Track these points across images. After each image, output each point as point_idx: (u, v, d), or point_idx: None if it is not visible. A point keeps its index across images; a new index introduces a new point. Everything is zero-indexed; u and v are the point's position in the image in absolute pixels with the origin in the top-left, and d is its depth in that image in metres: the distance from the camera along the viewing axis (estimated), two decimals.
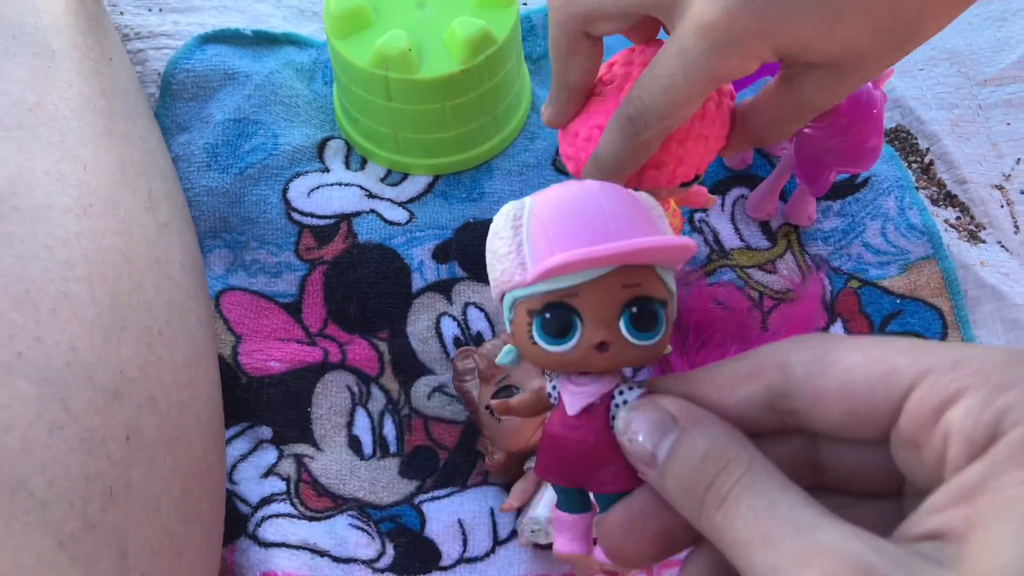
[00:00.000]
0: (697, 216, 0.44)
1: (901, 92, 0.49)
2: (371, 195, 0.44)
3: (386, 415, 0.38)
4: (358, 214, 0.43)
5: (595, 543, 0.21)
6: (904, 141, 0.48)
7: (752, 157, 0.46)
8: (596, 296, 0.20)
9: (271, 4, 0.51)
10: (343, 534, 0.35)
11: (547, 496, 0.35)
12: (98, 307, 0.28)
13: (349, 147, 0.46)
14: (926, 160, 0.47)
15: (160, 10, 0.49)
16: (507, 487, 0.37)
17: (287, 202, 0.43)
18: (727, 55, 0.25)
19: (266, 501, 0.36)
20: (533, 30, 0.50)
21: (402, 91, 0.41)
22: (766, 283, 0.42)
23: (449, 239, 0.43)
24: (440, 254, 0.42)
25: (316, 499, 0.36)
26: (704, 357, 0.39)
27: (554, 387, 0.22)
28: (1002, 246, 0.44)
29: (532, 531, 0.34)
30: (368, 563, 0.34)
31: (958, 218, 0.45)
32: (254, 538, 0.34)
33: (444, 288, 0.41)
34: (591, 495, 0.22)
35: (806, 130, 0.38)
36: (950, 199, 0.46)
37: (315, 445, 0.38)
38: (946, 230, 0.44)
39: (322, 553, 0.34)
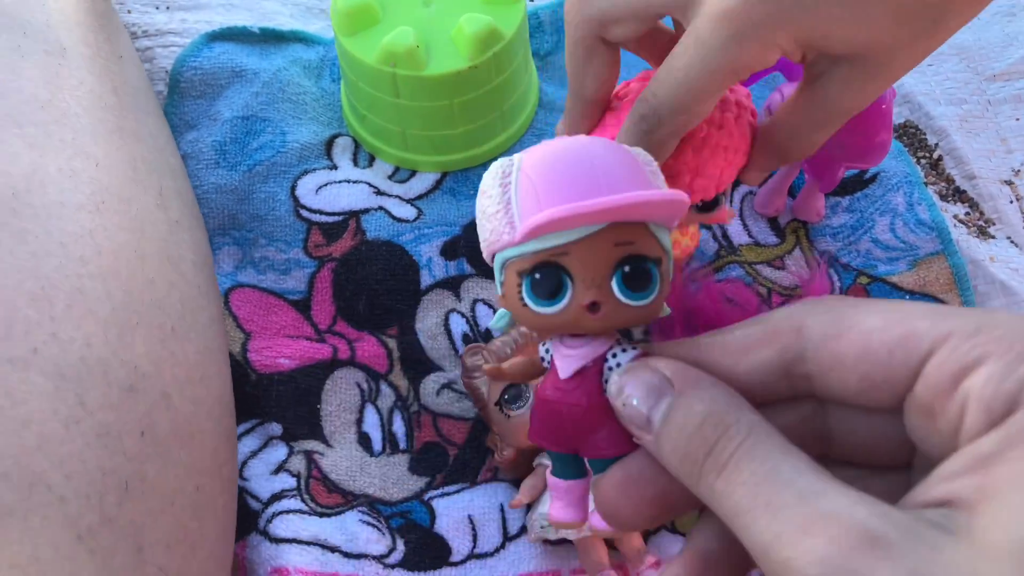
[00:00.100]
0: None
1: (910, 88, 0.49)
2: (379, 192, 0.44)
3: (395, 412, 0.39)
4: (366, 211, 0.43)
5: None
6: (913, 137, 0.48)
7: None
8: (587, 255, 0.19)
9: (278, 1, 0.51)
10: (353, 530, 0.35)
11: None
12: (112, 303, 0.28)
13: (357, 144, 0.46)
14: (935, 156, 0.47)
15: (168, 8, 0.49)
16: (516, 483, 0.37)
17: (295, 199, 0.43)
18: (746, 44, 0.25)
19: (277, 497, 0.36)
20: (541, 26, 0.50)
21: (410, 88, 0.41)
22: (775, 279, 0.42)
23: (457, 236, 0.43)
24: (448, 251, 0.42)
25: (326, 495, 0.36)
26: None
27: (547, 350, 0.21)
28: (1011, 242, 0.44)
29: (542, 527, 0.34)
30: (378, 559, 0.34)
31: (967, 214, 0.45)
32: (265, 534, 0.35)
33: (453, 285, 0.41)
34: (586, 460, 0.21)
35: None
36: (959, 195, 0.46)
37: (325, 442, 0.38)
38: (955, 226, 0.44)
39: (333, 549, 0.34)
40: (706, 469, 0.17)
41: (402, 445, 0.38)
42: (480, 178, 0.21)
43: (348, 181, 0.44)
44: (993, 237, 0.44)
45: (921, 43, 0.26)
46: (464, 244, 0.42)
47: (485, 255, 0.21)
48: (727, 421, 0.17)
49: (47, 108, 0.32)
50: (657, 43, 0.31)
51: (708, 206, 0.31)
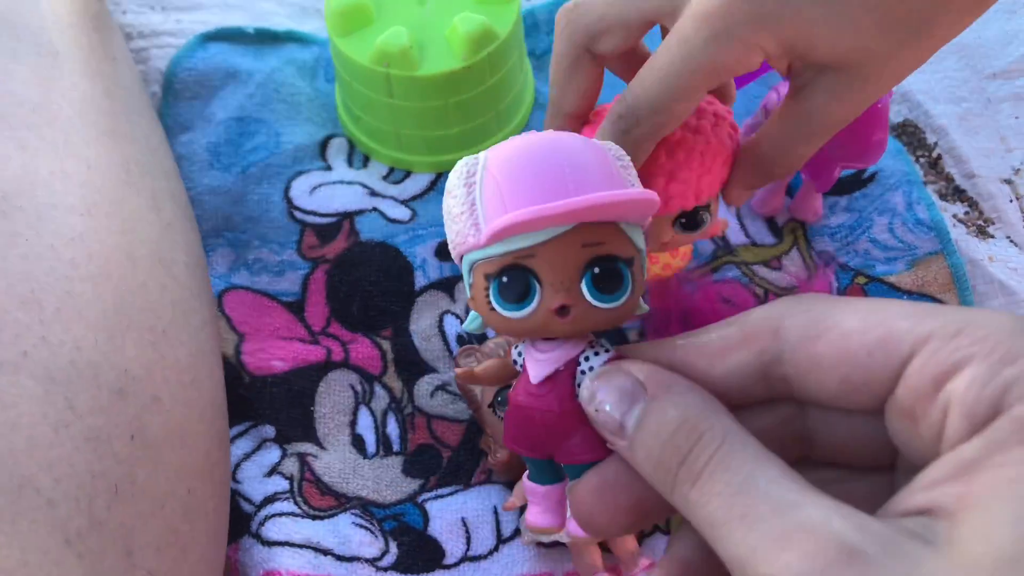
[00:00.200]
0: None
1: (908, 86, 0.48)
2: (373, 193, 0.44)
3: (389, 414, 0.38)
4: (360, 212, 0.43)
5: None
6: (912, 135, 0.47)
7: None
8: (554, 257, 0.18)
9: (273, 1, 0.51)
10: (346, 533, 0.35)
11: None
12: (103, 306, 0.28)
13: (352, 145, 0.46)
14: (934, 154, 0.47)
15: (163, 8, 0.49)
16: (510, 485, 0.37)
17: (289, 200, 0.43)
18: (727, 43, 0.24)
19: (269, 500, 0.36)
20: (536, 26, 0.50)
21: (404, 88, 0.41)
22: (771, 280, 0.42)
23: None
24: (443, 252, 0.42)
25: (319, 498, 0.36)
26: None
27: (519, 354, 0.21)
28: (1011, 241, 0.44)
29: None
30: (371, 562, 0.34)
31: (966, 213, 0.45)
32: (257, 537, 0.35)
33: (447, 286, 0.41)
34: (562, 465, 0.20)
35: None
36: (958, 194, 0.46)
37: (318, 444, 0.38)
38: (954, 225, 0.44)
39: (325, 552, 0.34)
40: (680, 478, 0.16)
41: (396, 447, 0.38)
42: None
43: (342, 182, 0.44)
44: (992, 236, 0.44)
45: (907, 52, 0.25)
46: None
47: (453, 256, 0.21)
48: (701, 428, 0.17)
49: (39, 110, 0.32)
50: (640, 64, 0.30)
51: (691, 223, 0.30)
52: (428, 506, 0.36)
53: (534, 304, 0.19)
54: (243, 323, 0.40)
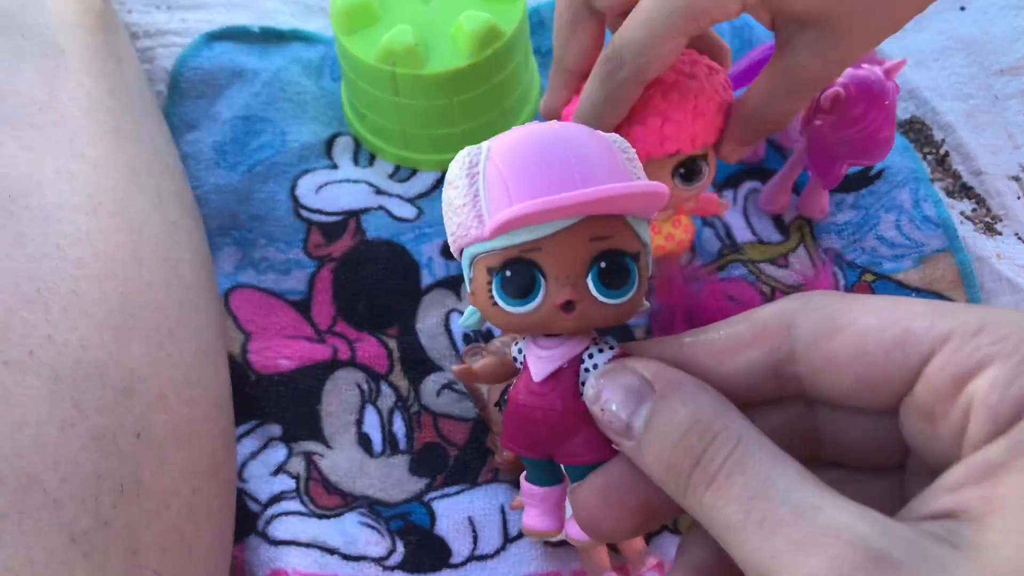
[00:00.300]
0: None
1: (915, 83, 0.48)
2: (380, 191, 0.44)
3: (395, 412, 0.38)
4: (366, 211, 0.43)
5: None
6: (919, 132, 0.47)
7: (764, 150, 0.45)
8: (560, 251, 0.18)
9: (279, 0, 0.51)
10: (353, 532, 0.35)
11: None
12: (108, 306, 0.28)
13: (358, 143, 0.46)
14: (941, 151, 0.46)
15: (168, 8, 0.49)
16: (517, 484, 0.36)
17: (295, 199, 0.43)
18: None
19: (276, 499, 0.36)
20: (542, 24, 0.50)
21: (409, 86, 0.41)
22: (778, 277, 0.42)
23: None
24: (449, 250, 0.42)
25: (326, 497, 0.36)
26: None
27: (519, 351, 0.20)
28: (1019, 238, 0.44)
29: None
30: (378, 561, 0.34)
31: (974, 210, 0.45)
32: (264, 536, 0.35)
33: (453, 284, 0.41)
34: (562, 466, 0.20)
35: (817, 122, 0.38)
36: (966, 191, 0.45)
37: (325, 443, 0.38)
38: (962, 222, 0.44)
39: (332, 551, 0.34)
40: (693, 481, 0.16)
41: (402, 446, 0.38)
42: None
43: (348, 181, 0.44)
44: (1000, 233, 0.44)
45: (881, 10, 0.26)
46: None
47: (453, 250, 0.20)
48: (714, 428, 0.16)
49: (44, 110, 0.32)
50: None
51: (689, 173, 0.31)
52: (435, 505, 0.36)
53: (538, 299, 0.18)
54: (249, 322, 0.40)
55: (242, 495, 0.36)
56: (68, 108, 0.33)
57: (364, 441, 0.38)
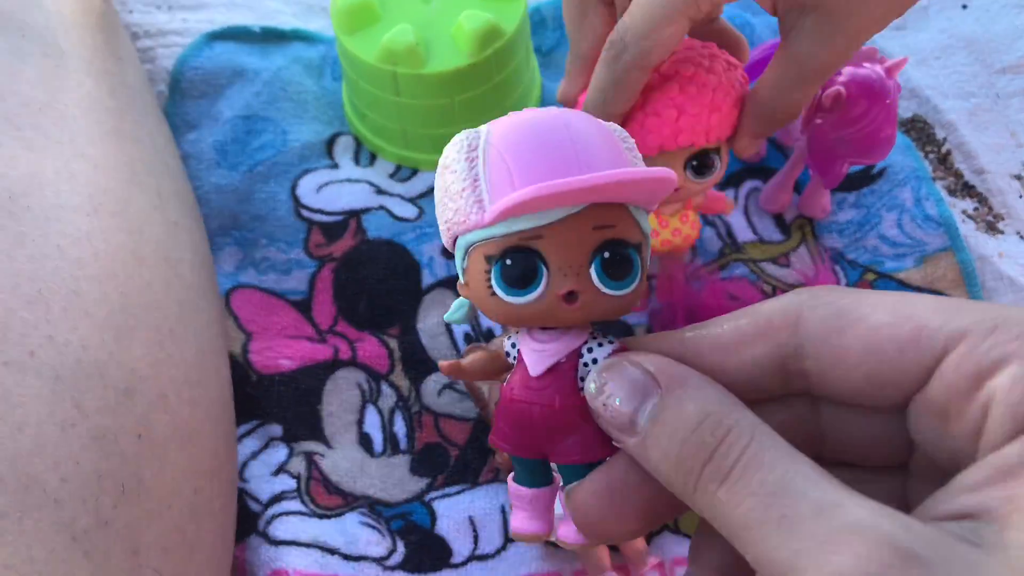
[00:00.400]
0: None
1: (917, 81, 0.48)
2: (380, 191, 0.44)
3: (396, 412, 0.38)
4: (367, 210, 0.43)
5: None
6: (920, 131, 0.47)
7: (766, 149, 0.45)
8: (564, 239, 0.17)
9: (280, 0, 0.51)
10: (353, 532, 0.35)
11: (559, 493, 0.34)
12: (109, 306, 0.28)
13: (358, 143, 0.46)
14: (943, 150, 0.46)
15: (169, 8, 0.49)
16: None
17: (296, 199, 0.43)
18: None
19: (277, 499, 0.36)
20: (543, 23, 0.50)
21: (410, 86, 0.41)
22: (779, 277, 0.42)
23: None
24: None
25: (326, 496, 0.36)
26: None
27: (513, 345, 0.19)
28: (1021, 237, 0.43)
29: None
30: (378, 561, 0.34)
31: (976, 209, 0.44)
32: (265, 536, 0.35)
33: (454, 284, 0.41)
34: (553, 467, 0.19)
35: (817, 121, 0.38)
36: (967, 190, 0.45)
37: (325, 443, 0.38)
38: (963, 221, 0.44)
39: (332, 551, 0.34)
40: (705, 477, 0.15)
41: (403, 446, 0.38)
42: None
43: (349, 180, 0.44)
44: (1002, 232, 0.44)
45: None
46: None
47: (445, 238, 0.19)
48: (727, 424, 0.16)
49: (45, 110, 0.32)
50: None
51: (702, 165, 0.31)
52: (435, 505, 0.36)
53: (540, 289, 0.17)
54: (250, 322, 0.40)
55: (243, 495, 0.36)
56: (68, 108, 0.33)
57: (365, 441, 0.38)
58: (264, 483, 0.36)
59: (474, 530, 0.35)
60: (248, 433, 0.37)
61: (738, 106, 0.31)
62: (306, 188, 0.43)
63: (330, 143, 0.45)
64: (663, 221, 0.37)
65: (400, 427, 0.38)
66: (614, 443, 0.18)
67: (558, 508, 0.20)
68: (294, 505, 0.36)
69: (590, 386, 0.17)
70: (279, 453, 0.37)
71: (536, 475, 0.19)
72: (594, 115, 0.26)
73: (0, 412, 0.23)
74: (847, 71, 0.37)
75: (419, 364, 0.39)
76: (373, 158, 0.45)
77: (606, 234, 0.17)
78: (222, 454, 0.32)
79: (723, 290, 0.41)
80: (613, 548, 0.35)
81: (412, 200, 0.44)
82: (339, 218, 0.43)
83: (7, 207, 0.28)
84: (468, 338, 0.40)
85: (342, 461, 0.37)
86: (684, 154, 0.31)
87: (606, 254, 0.17)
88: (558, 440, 0.18)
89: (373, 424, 0.38)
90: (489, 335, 0.40)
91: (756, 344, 0.17)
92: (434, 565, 0.35)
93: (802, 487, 0.14)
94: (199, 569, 0.28)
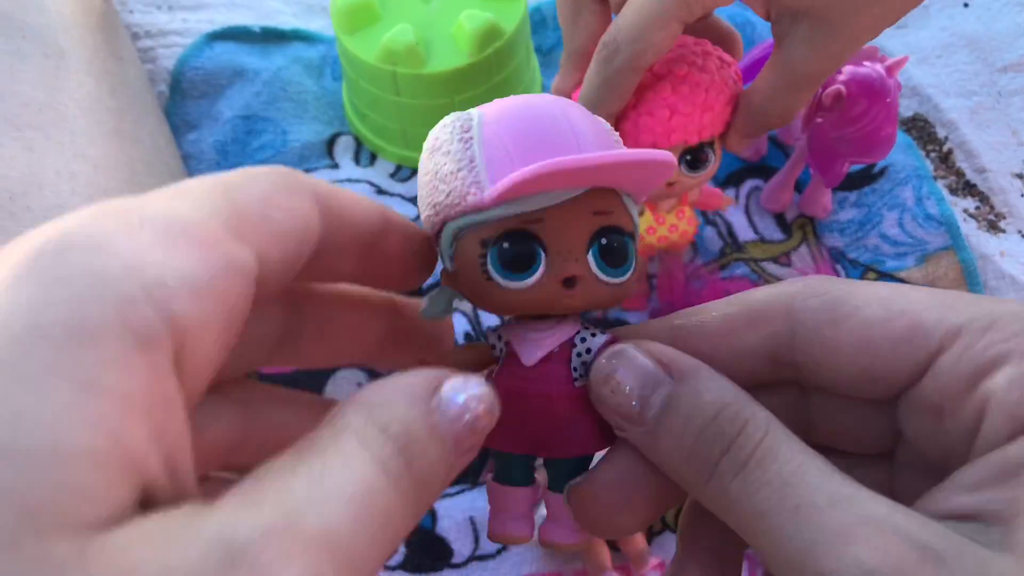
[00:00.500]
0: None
1: (918, 80, 0.48)
2: (381, 191, 0.44)
3: None
4: None
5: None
6: (922, 130, 0.47)
7: (767, 148, 0.45)
8: (563, 223, 0.17)
9: (280, 0, 0.51)
10: None
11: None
12: None
13: (359, 143, 0.46)
14: (944, 149, 0.46)
15: (169, 8, 0.49)
16: None
17: None
18: None
19: None
20: (543, 22, 0.50)
21: (410, 86, 0.41)
22: (780, 276, 0.42)
23: None
24: None
25: None
26: None
27: (499, 337, 0.19)
28: (1022, 236, 0.43)
29: None
30: None
31: (977, 208, 0.44)
32: None
33: None
34: (535, 465, 0.19)
35: (818, 120, 0.38)
36: (969, 188, 0.45)
37: None
38: (965, 220, 0.44)
39: None
40: (721, 468, 0.15)
41: None
42: None
43: (350, 180, 0.44)
44: (1003, 231, 0.44)
45: (877, 2, 0.26)
46: None
47: (430, 223, 0.18)
48: (744, 415, 0.15)
49: (45, 111, 0.32)
50: None
51: (695, 160, 0.31)
52: (436, 505, 0.36)
53: (538, 273, 0.17)
54: None
55: None
56: (69, 109, 0.33)
57: None
58: None
59: (475, 530, 0.35)
60: None
61: (731, 103, 0.31)
62: None
63: (330, 143, 0.45)
64: (660, 218, 0.37)
65: None
66: (616, 433, 0.17)
67: (540, 510, 0.19)
68: None
69: (598, 373, 0.17)
70: None
71: (522, 473, 0.19)
72: None
73: None
74: (847, 70, 0.37)
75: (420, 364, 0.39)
76: (373, 158, 0.45)
77: (604, 220, 0.17)
78: None
79: (724, 289, 0.41)
80: (614, 547, 0.35)
81: (413, 200, 0.44)
82: None
83: (7, 207, 0.28)
84: (468, 337, 0.40)
85: None
86: (677, 150, 0.31)
87: (604, 240, 0.17)
88: (554, 432, 0.18)
89: None
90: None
91: (747, 333, 0.17)
92: (435, 565, 0.35)
93: (816, 479, 0.14)
94: None
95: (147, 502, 0.12)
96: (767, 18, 0.28)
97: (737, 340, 0.17)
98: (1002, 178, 0.45)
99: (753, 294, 0.17)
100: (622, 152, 0.16)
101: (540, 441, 0.18)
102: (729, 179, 0.44)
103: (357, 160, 0.45)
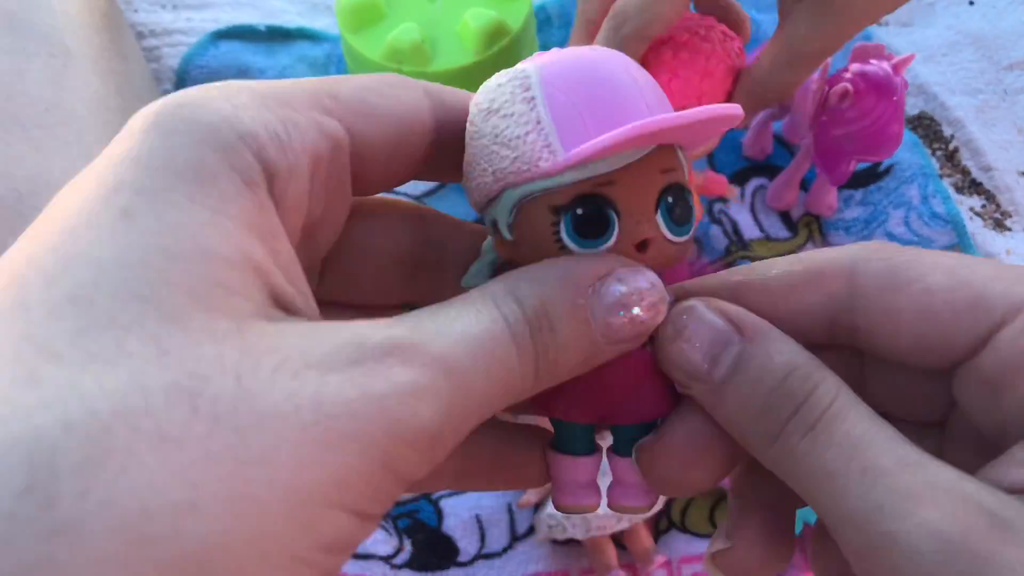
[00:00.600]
0: (716, 207, 0.43)
1: (924, 78, 0.48)
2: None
3: None
4: None
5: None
6: (928, 128, 0.47)
7: (772, 146, 0.45)
8: (635, 183, 0.16)
9: None
10: None
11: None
12: None
13: None
14: (950, 147, 0.46)
15: (174, 7, 0.49)
16: None
17: None
18: None
19: None
20: (548, 20, 0.50)
21: None
22: None
23: None
24: None
25: None
26: None
27: None
28: None
29: (550, 527, 0.34)
30: (386, 559, 0.34)
31: (983, 206, 0.44)
32: None
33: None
34: (595, 434, 0.18)
35: (824, 117, 0.38)
36: (975, 187, 0.45)
37: None
38: (971, 218, 0.44)
39: None
40: (789, 429, 0.15)
41: None
42: None
43: None
44: (1009, 229, 0.43)
45: None
46: None
47: (483, 191, 0.17)
48: (814, 379, 0.15)
49: (51, 110, 0.32)
50: None
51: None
52: (442, 504, 0.36)
53: (614, 238, 0.16)
54: None
55: None
56: (75, 108, 0.33)
57: None
58: None
59: (481, 529, 0.35)
60: None
61: (731, 75, 0.32)
62: None
63: None
64: None
65: None
66: (681, 391, 0.17)
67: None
68: None
69: (669, 329, 0.16)
70: None
71: (587, 440, 0.18)
72: None
73: None
74: (854, 67, 0.37)
75: None
76: None
77: (670, 177, 0.17)
78: None
79: None
80: (620, 546, 0.35)
81: (417, 199, 0.44)
82: None
83: (15, 207, 0.28)
84: None
85: None
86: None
87: (670, 199, 0.16)
88: (624, 398, 0.17)
89: None
90: None
91: (808, 292, 0.17)
92: (441, 563, 0.35)
93: (886, 443, 0.14)
94: None
95: (287, 310, 0.14)
96: None
97: (797, 299, 0.17)
98: (1008, 176, 0.45)
99: (816, 254, 0.17)
100: (701, 110, 0.15)
101: (612, 407, 0.17)
102: (734, 178, 0.44)
103: None
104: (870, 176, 0.44)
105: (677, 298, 0.17)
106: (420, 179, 0.18)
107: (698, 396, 0.16)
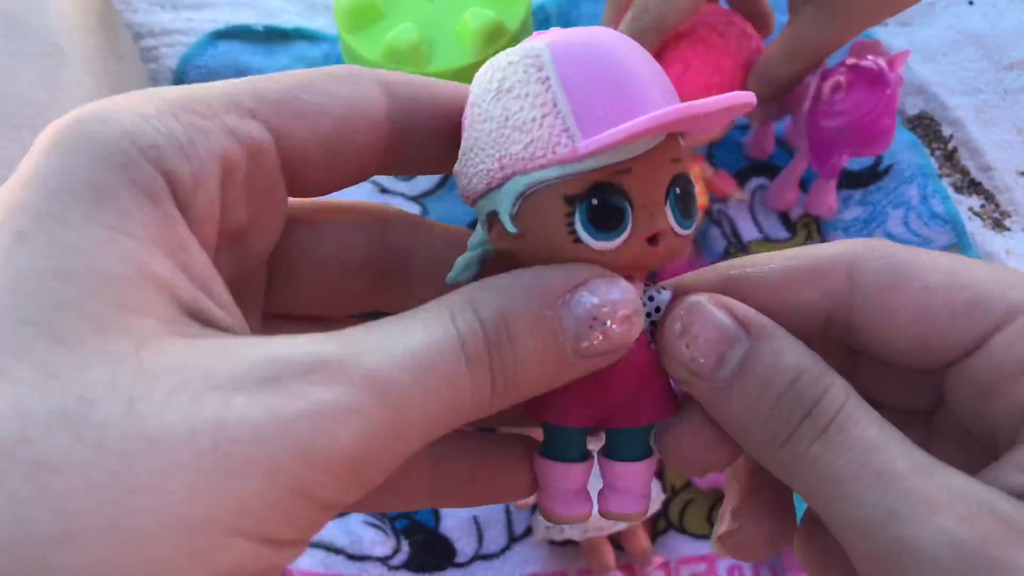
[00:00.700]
0: (716, 207, 0.43)
1: (924, 77, 0.48)
2: (384, 190, 0.44)
3: None
4: None
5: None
6: (927, 128, 0.47)
7: (773, 147, 0.45)
8: (648, 173, 0.15)
9: None
10: (358, 531, 0.35)
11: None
12: None
13: None
14: (950, 147, 0.46)
15: (173, 7, 0.49)
16: None
17: None
18: None
19: None
20: (547, 21, 0.50)
21: None
22: None
23: None
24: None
25: None
26: None
27: None
28: None
29: (547, 527, 0.34)
30: (383, 560, 0.34)
31: (983, 206, 0.44)
32: None
33: None
34: (588, 439, 0.18)
35: (817, 109, 0.38)
36: (974, 186, 0.45)
37: None
38: (970, 218, 0.43)
39: (337, 550, 0.34)
40: (800, 433, 0.15)
41: None
42: None
43: None
44: (1009, 229, 0.43)
45: None
46: None
47: (485, 179, 0.16)
48: (824, 382, 0.15)
49: (44, 111, 0.32)
50: None
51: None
52: None
53: (628, 231, 0.15)
54: None
55: None
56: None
57: None
58: None
59: (478, 530, 0.35)
60: None
61: (743, 71, 0.33)
62: None
63: None
64: None
65: None
66: (683, 389, 0.17)
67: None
68: None
69: (674, 325, 0.16)
70: None
71: (580, 447, 0.17)
72: None
73: None
74: (848, 62, 0.37)
75: None
76: None
77: (677, 168, 0.16)
78: None
79: None
80: (617, 547, 0.35)
81: (416, 199, 0.44)
82: None
83: None
84: None
85: None
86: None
87: (677, 190, 0.16)
88: (630, 397, 0.16)
89: None
90: None
91: (806, 288, 0.16)
92: (438, 564, 0.34)
93: (897, 448, 0.14)
94: None
95: (206, 323, 0.13)
96: None
97: (795, 294, 0.16)
98: (1007, 176, 0.45)
99: (814, 250, 0.17)
100: (723, 97, 0.15)
101: (611, 410, 0.17)
102: (735, 178, 0.44)
103: None
104: (869, 176, 0.44)
105: (677, 293, 0.17)
106: (383, 174, 0.18)
107: (700, 395, 0.16)
